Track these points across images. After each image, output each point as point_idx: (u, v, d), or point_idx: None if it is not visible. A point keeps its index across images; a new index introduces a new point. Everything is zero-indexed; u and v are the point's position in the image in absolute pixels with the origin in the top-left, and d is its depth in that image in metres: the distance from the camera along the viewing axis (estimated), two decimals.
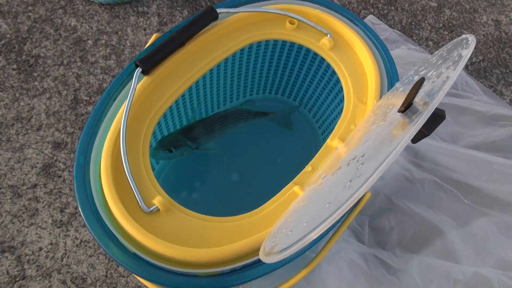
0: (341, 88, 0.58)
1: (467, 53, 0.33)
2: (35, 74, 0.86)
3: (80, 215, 0.57)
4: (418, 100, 0.34)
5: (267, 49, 0.65)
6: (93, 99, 0.85)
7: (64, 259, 0.70)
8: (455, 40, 0.41)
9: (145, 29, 0.94)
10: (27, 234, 0.72)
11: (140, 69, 0.51)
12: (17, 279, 0.68)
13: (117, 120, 0.49)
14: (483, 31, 1.05)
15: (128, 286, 0.69)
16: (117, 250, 0.42)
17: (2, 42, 0.89)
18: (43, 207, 0.74)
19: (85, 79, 0.87)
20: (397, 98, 0.45)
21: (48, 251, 0.70)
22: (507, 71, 0.99)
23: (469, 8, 1.08)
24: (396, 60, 0.59)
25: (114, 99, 0.51)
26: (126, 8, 0.97)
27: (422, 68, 0.45)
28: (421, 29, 1.03)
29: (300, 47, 0.63)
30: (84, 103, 0.84)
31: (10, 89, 0.84)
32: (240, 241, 0.43)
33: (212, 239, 0.45)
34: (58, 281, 0.68)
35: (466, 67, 0.99)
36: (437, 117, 0.31)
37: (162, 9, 0.98)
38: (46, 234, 0.72)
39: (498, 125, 0.81)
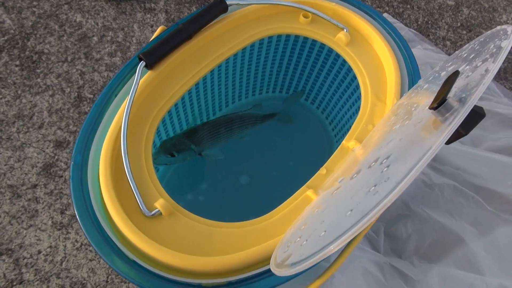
0: (357, 86, 0.55)
1: (507, 44, 0.30)
2: (38, 70, 0.84)
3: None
4: (451, 96, 0.30)
5: (279, 44, 0.62)
6: (97, 97, 0.82)
7: (64, 263, 0.67)
8: (488, 32, 0.38)
9: (152, 26, 0.91)
10: (25, 236, 0.69)
11: (144, 63, 0.48)
12: (14, 283, 0.65)
13: (118, 116, 0.45)
14: None
15: None
16: (115, 257, 0.39)
17: (6, 37, 0.87)
18: (43, 208, 0.71)
19: (90, 76, 0.84)
20: (422, 96, 0.41)
21: (47, 255, 0.67)
22: None
23: (488, 7, 1.04)
24: None
25: (116, 95, 0.48)
26: (133, 4, 0.94)
27: (450, 63, 0.41)
28: (438, 28, 0.99)
29: (314, 42, 0.60)
30: (88, 101, 0.81)
31: (12, 86, 0.81)
32: (249, 249, 0.40)
33: (218, 247, 0.41)
34: (56, 286, 0.65)
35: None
36: (476, 115, 0.27)
37: (170, 5, 0.95)
38: (46, 236, 0.69)
39: None
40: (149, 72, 0.49)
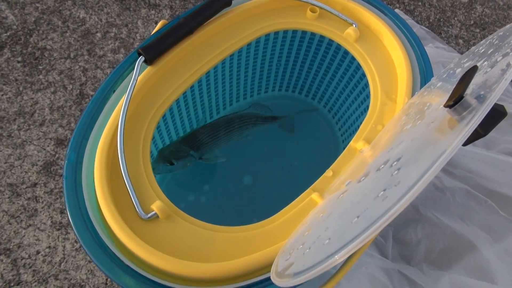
0: (366, 84, 0.52)
1: None
2: (40, 67, 0.82)
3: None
4: (468, 93, 0.28)
5: (285, 40, 0.59)
6: None
7: (62, 264, 0.65)
8: (507, 26, 0.35)
9: (156, 22, 0.90)
10: (24, 236, 0.67)
11: (143, 58, 0.46)
12: (12, 284, 0.63)
13: (116, 113, 0.43)
14: None
15: None
16: (108, 261, 0.37)
17: (8, 33, 0.85)
18: (42, 207, 0.69)
19: (92, 73, 0.82)
20: (435, 95, 0.39)
21: (45, 255, 0.66)
22: None
23: (503, 5, 1.01)
24: None
25: (114, 91, 0.46)
26: (137, 0, 0.92)
27: (465, 59, 0.39)
28: (450, 26, 0.96)
29: (322, 38, 0.57)
30: (90, 98, 0.79)
31: (13, 82, 0.80)
32: (250, 255, 0.38)
33: (218, 252, 0.39)
34: (54, 287, 0.63)
35: None
36: (496, 113, 0.25)
37: (175, 1, 0.93)
38: (45, 236, 0.67)
39: None
40: (148, 68, 0.47)
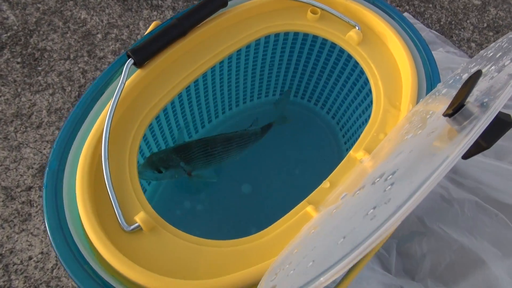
0: (370, 90, 0.49)
1: None
2: (39, 68, 0.81)
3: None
4: (471, 101, 0.25)
5: (286, 43, 0.57)
6: None
7: (54, 271, 0.64)
8: None
9: None
10: (17, 241, 0.65)
11: (132, 61, 0.43)
12: None
13: (101, 119, 0.41)
14: None
15: None
16: (86, 276, 0.34)
17: (9, 34, 0.84)
18: (36, 212, 0.68)
19: (92, 75, 0.81)
20: (439, 102, 0.36)
21: (38, 261, 0.64)
22: None
23: None
24: None
25: (102, 94, 0.44)
26: (139, 1, 0.91)
27: (473, 64, 0.36)
28: (462, 29, 0.93)
29: (324, 41, 0.55)
30: None
31: (12, 84, 0.79)
32: (238, 272, 0.35)
33: (204, 268, 0.37)
34: None
35: None
36: (501, 123, 0.22)
37: (178, 2, 0.91)
38: (38, 242, 0.65)
39: None
40: (138, 71, 0.45)
